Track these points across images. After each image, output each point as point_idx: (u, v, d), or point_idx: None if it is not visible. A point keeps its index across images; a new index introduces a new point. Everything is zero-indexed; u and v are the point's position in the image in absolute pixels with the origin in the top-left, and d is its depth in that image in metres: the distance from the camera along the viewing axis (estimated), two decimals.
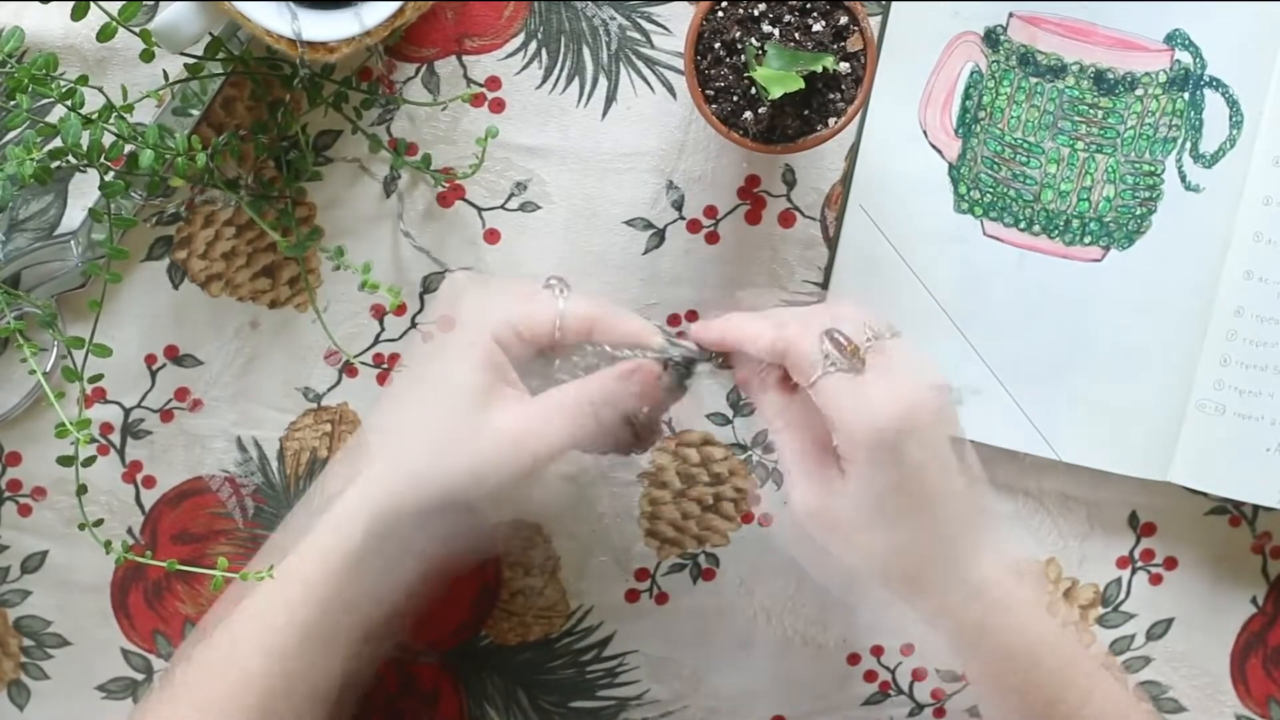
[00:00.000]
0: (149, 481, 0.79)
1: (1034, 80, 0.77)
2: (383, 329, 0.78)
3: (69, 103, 0.68)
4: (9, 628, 0.80)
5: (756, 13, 0.70)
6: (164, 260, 0.77)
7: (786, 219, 0.78)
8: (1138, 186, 0.77)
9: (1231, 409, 0.78)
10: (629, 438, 0.69)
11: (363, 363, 0.79)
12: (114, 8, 0.67)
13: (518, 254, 0.78)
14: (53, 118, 0.70)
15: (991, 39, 0.77)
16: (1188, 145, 0.77)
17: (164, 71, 0.73)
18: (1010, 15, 0.76)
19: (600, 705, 0.82)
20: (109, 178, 0.70)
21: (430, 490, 0.67)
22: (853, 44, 0.70)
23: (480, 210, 0.77)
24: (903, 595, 0.69)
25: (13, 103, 0.68)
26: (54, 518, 0.79)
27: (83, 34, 0.73)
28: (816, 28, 0.70)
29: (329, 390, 0.79)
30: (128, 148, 0.69)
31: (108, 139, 0.69)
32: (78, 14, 0.66)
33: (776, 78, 0.67)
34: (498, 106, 0.77)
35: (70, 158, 0.68)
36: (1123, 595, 0.82)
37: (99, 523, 0.77)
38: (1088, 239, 0.78)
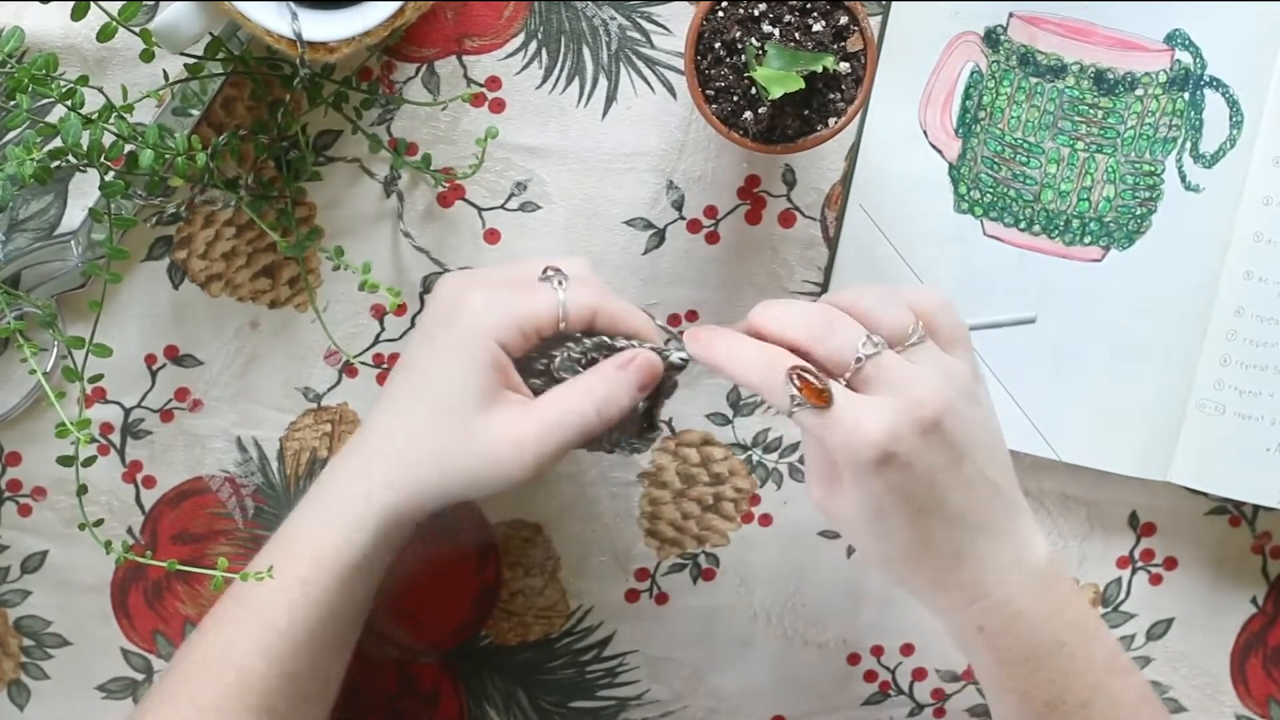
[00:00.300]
0: (149, 481, 0.79)
1: (1034, 80, 0.77)
2: (383, 329, 0.78)
3: (69, 103, 0.68)
4: (9, 628, 0.80)
5: (756, 13, 0.70)
6: (164, 260, 0.77)
7: (786, 219, 0.78)
8: (1138, 186, 0.77)
9: (1231, 409, 0.78)
10: (631, 433, 0.70)
11: (363, 363, 0.79)
12: (114, 8, 0.67)
13: (518, 254, 0.78)
14: (53, 118, 0.70)
15: (991, 39, 0.77)
16: (1188, 145, 0.77)
17: (164, 71, 0.73)
18: (1010, 15, 0.76)
19: (600, 705, 0.82)
20: (109, 178, 0.70)
21: (435, 495, 0.67)
22: (853, 44, 0.70)
23: (480, 210, 0.77)
24: (905, 591, 0.71)
25: (13, 103, 0.68)
26: (54, 518, 0.79)
27: (83, 34, 0.73)
28: (816, 28, 0.70)
29: (329, 390, 0.79)
30: (128, 148, 0.69)
31: (108, 139, 0.69)
32: (78, 14, 0.66)
33: (776, 78, 0.67)
34: (498, 106, 0.77)
35: (70, 158, 0.68)
36: (1123, 595, 0.82)
37: (99, 523, 0.77)
38: (1088, 239, 0.78)
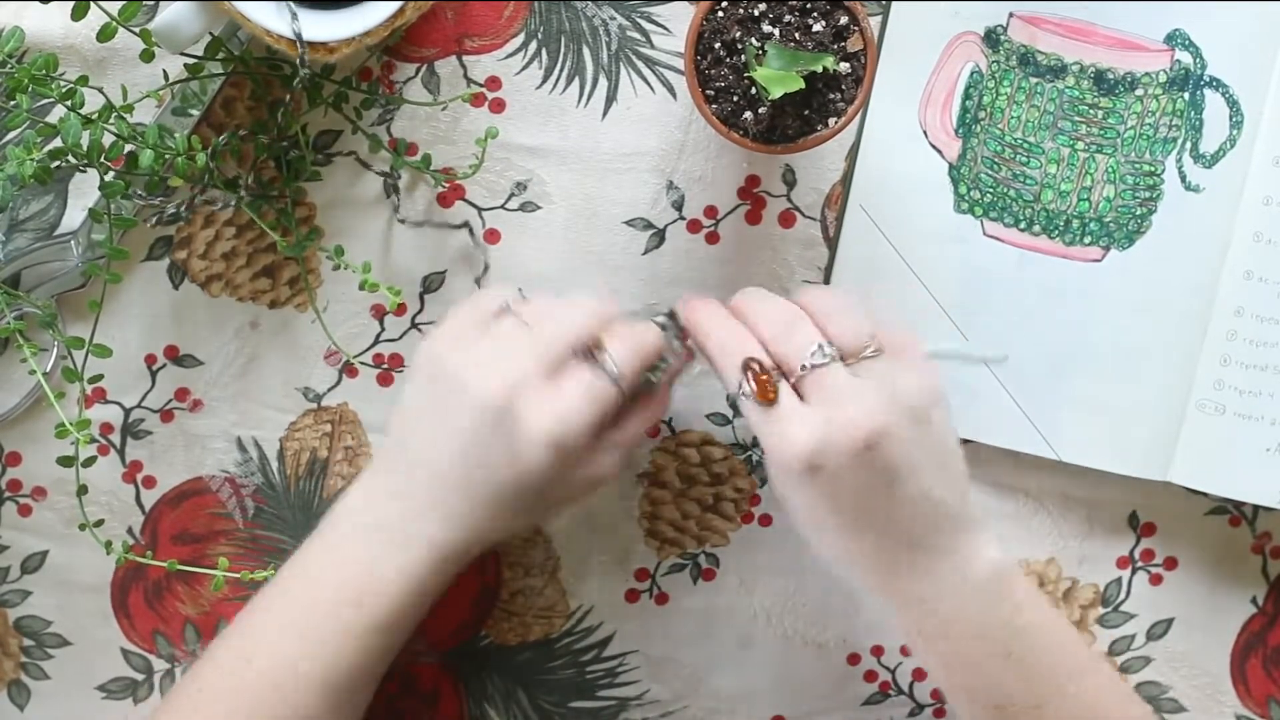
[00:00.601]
0: (149, 481, 0.79)
1: (1034, 80, 0.77)
2: (383, 329, 0.78)
3: (69, 103, 0.68)
4: (9, 628, 0.80)
5: (756, 13, 0.69)
6: (164, 260, 0.77)
7: (786, 219, 0.78)
8: (1138, 186, 0.77)
9: (1231, 409, 0.78)
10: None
11: (363, 363, 0.79)
12: (114, 8, 0.67)
13: (518, 254, 0.78)
14: (53, 118, 0.70)
15: (991, 39, 0.77)
16: (1188, 145, 0.77)
17: (164, 71, 0.73)
18: (1010, 15, 0.76)
19: (600, 705, 0.82)
20: (109, 178, 0.70)
21: (493, 543, 0.70)
22: (853, 44, 0.70)
23: (480, 210, 0.77)
24: (852, 582, 0.72)
25: (13, 103, 0.68)
26: (54, 518, 0.79)
27: (83, 34, 0.73)
28: (816, 28, 0.70)
29: (329, 390, 0.79)
30: (128, 148, 0.69)
31: (108, 139, 0.69)
32: (78, 14, 0.66)
33: (776, 78, 0.67)
34: (498, 106, 0.77)
35: (70, 158, 0.68)
36: (1123, 595, 0.82)
37: (99, 523, 0.77)
38: (1088, 239, 0.78)
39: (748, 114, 0.70)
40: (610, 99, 0.77)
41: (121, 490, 0.79)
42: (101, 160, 0.69)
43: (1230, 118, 0.77)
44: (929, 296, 0.78)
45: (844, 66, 0.70)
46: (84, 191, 0.76)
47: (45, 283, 0.76)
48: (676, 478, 0.80)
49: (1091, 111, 0.77)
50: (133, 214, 0.74)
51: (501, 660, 0.82)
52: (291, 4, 0.68)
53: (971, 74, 0.77)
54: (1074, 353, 0.79)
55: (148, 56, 0.70)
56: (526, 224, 0.78)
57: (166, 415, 0.78)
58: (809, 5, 0.70)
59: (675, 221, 0.78)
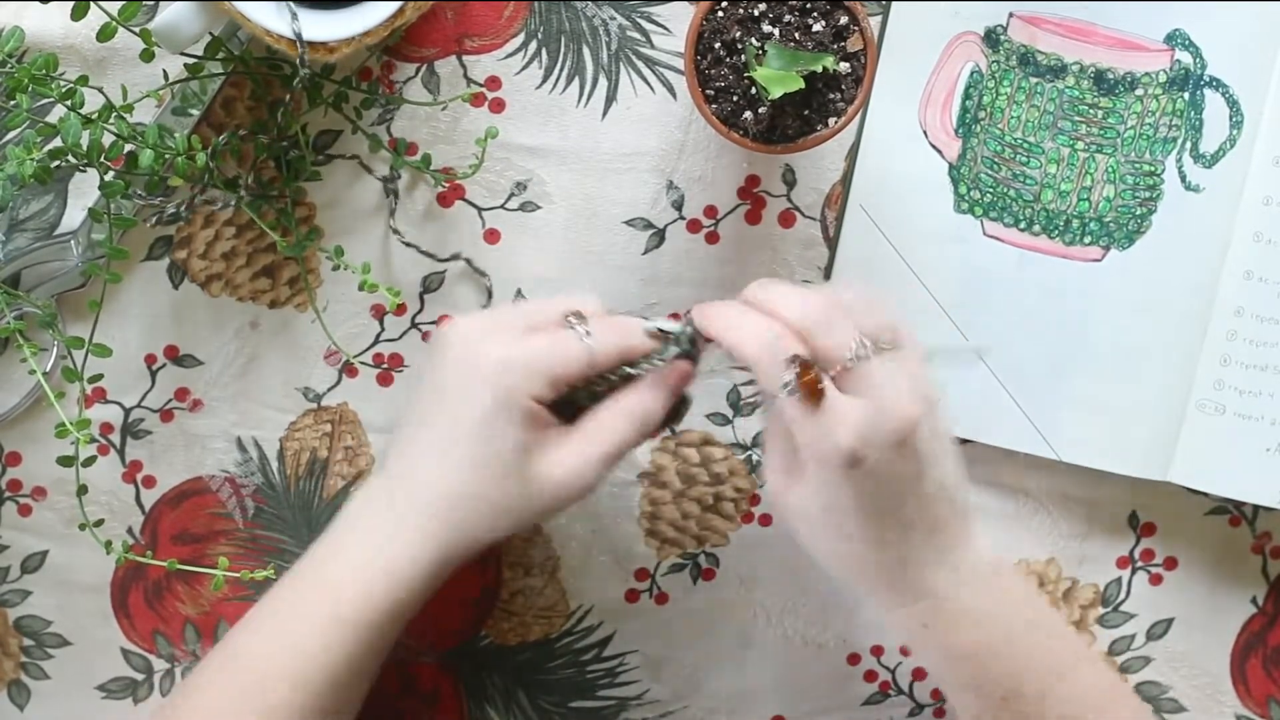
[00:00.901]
0: (149, 481, 0.79)
1: (1034, 80, 0.77)
2: (383, 329, 0.78)
3: (69, 103, 0.68)
4: (9, 628, 0.80)
5: (756, 13, 0.70)
6: (164, 260, 0.77)
7: (786, 219, 0.78)
8: (1138, 186, 0.77)
9: (1231, 409, 0.78)
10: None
11: (363, 363, 0.79)
12: (114, 8, 0.67)
13: (518, 254, 0.78)
14: (53, 118, 0.70)
15: (991, 39, 0.77)
16: (1188, 145, 0.77)
17: (164, 71, 0.73)
18: (1010, 15, 0.76)
19: (600, 705, 0.82)
20: (109, 178, 0.70)
21: (488, 539, 0.69)
22: (853, 44, 0.70)
23: (480, 210, 0.77)
24: (849, 587, 0.72)
25: (13, 103, 0.68)
26: (54, 518, 0.79)
27: (83, 34, 0.73)
28: (816, 28, 0.70)
29: (329, 390, 0.79)
30: (128, 148, 0.69)
31: (108, 139, 0.69)
32: (78, 14, 0.66)
33: (776, 78, 0.67)
34: (498, 106, 0.77)
35: (70, 158, 0.68)
36: (1123, 595, 0.82)
37: (99, 523, 0.77)
38: (1088, 239, 0.78)
39: (748, 114, 0.70)
40: (610, 99, 0.77)
41: (121, 490, 0.79)
42: (101, 160, 0.69)
43: (1230, 118, 0.77)
44: (929, 296, 0.78)
45: (844, 66, 0.70)
46: (84, 191, 0.76)
47: (45, 283, 0.76)
48: (676, 478, 0.80)
49: (1091, 111, 0.77)
50: (133, 214, 0.74)
51: (501, 660, 0.82)
52: (291, 4, 0.68)
53: (971, 74, 0.77)
54: (1074, 353, 0.79)
55: (148, 56, 0.70)
56: (526, 224, 0.78)
57: (166, 415, 0.78)
58: (809, 5, 0.70)
59: (675, 221, 0.78)
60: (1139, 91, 0.77)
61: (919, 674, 0.83)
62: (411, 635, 0.81)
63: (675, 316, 0.78)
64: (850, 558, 0.69)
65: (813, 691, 0.83)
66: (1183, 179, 0.77)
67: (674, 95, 0.77)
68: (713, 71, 0.70)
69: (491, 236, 0.78)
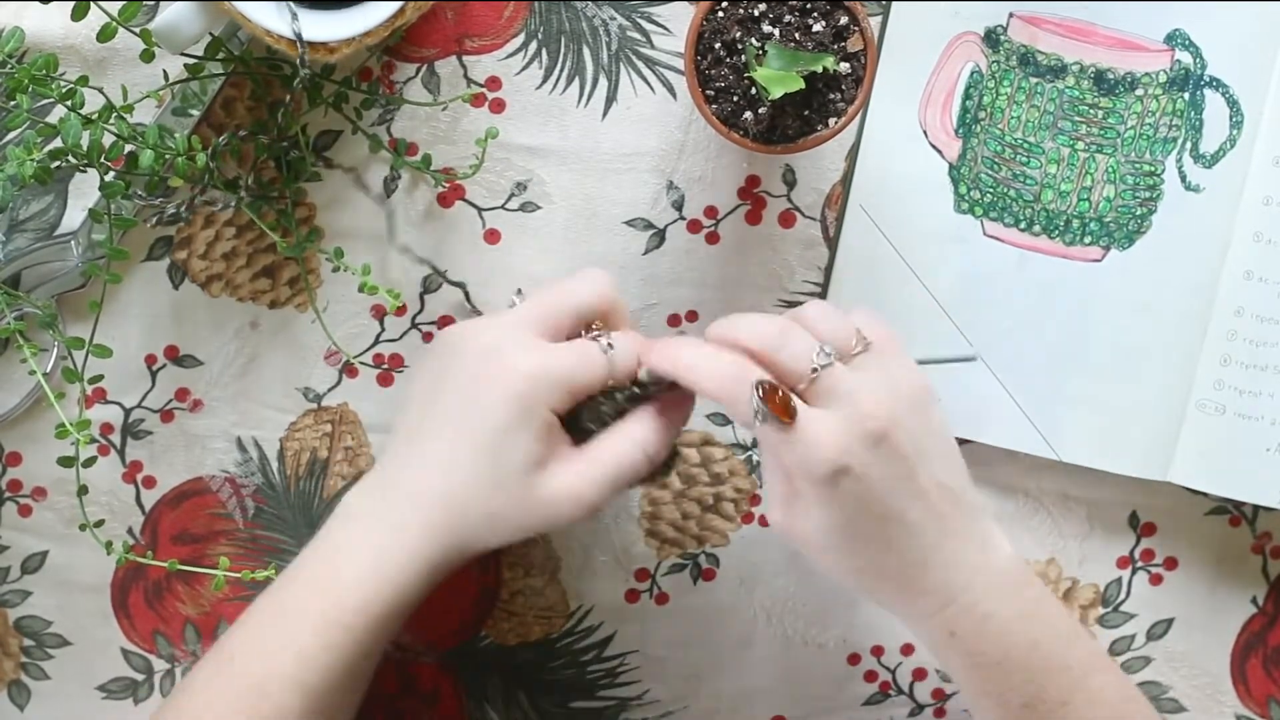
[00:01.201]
0: (149, 482, 0.79)
1: (1034, 80, 0.77)
2: (383, 329, 0.78)
3: (69, 103, 0.68)
4: (9, 628, 0.80)
5: (757, 13, 0.70)
6: (164, 260, 0.77)
7: (787, 219, 0.78)
8: (1138, 186, 0.77)
9: (1231, 409, 0.78)
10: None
11: (363, 363, 0.79)
12: (114, 8, 0.67)
13: (518, 254, 0.78)
14: (53, 118, 0.70)
15: (992, 39, 0.77)
16: (1188, 145, 0.77)
17: (164, 71, 0.73)
18: (1010, 15, 0.76)
19: (600, 705, 0.82)
20: (109, 178, 0.70)
21: (486, 547, 0.69)
22: (853, 44, 0.70)
23: (480, 210, 0.77)
24: (873, 602, 0.72)
25: (13, 103, 0.68)
26: (54, 518, 0.79)
27: (83, 34, 0.73)
28: (817, 28, 0.70)
29: (329, 390, 0.79)
30: (128, 148, 0.69)
31: (108, 139, 0.69)
32: (78, 14, 0.66)
33: (777, 78, 0.67)
34: (498, 106, 0.77)
35: (70, 158, 0.68)
36: (1123, 595, 0.82)
37: (99, 523, 0.77)
38: (1088, 239, 0.78)
39: (748, 114, 0.70)
40: (610, 99, 0.77)
41: (121, 490, 0.79)
42: (101, 160, 0.69)
43: (1230, 118, 0.77)
44: (929, 296, 0.78)
45: (844, 66, 0.70)
46: (84, 191, 0.76)
47: (45, 283, 0.76)
48: (676, 478, 0.80)
49: (1091, 111, 0.77)
50: (133, 214, 0.74)
51: (501, 660, 0.82)
52: (291, 4, 0.68)
53: (971, 74, 0.77)
54: (1074, 352, 0.79)
55: (148, 56, 0.70)
56: (526, 224, 0.78)
57: (166, 415, 0.78)
58: (809, 5, 0.70)
59: (675, 221, 0.78)
60: (1139, 91, 0.77)
61: (919, 674, 0.83)
62: (411, 635, 0.81)
63: (673, 321, 0.78)
64: (868, 571, 0.68)
65: (813, 691, 0.83)
66: (1183, 179, 0.77)
67: (674, 95, 0.77)
68: (713, 71, 0.70)
69: (491, 236, 0.78)
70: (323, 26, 0.68)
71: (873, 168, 0.77)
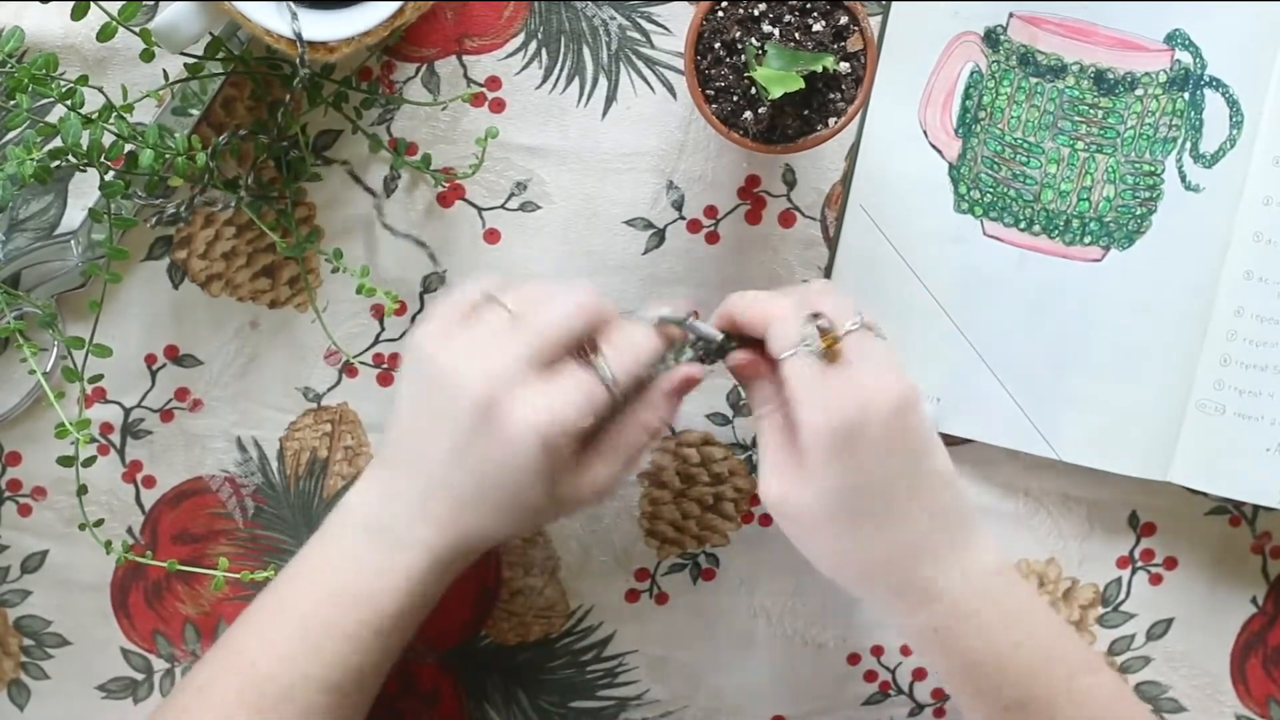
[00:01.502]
0: (149, 481, 0.79)
1: (1034, 80, 0.77)
2: (383, 329, 0.78)
3: (69, 103, 0.68)
4: (9, 628, 0.80)
5: (756, 13, 0.70)
6: (164, 260, 0.77)
7: (787, 219, 0.78)
8: (1138, 186, 0.77)
9: (1231, 409, 0.78)
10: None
11: (363, 363, 0.79)
12: (114, 8, 0.67)
13: (518, 254, 0.78)
14: (53, 118, 0.70)
15: (992, 39, 0.77)
16: (1188, 145, 0.77)
17: (164, 71, 0.73)
18: (1010, 15, 0.76)
19: (600, 705, 0.82)
20: (109, 178, 0.70)
21: (494, 543, 0.69)
22: (853, 44, 0.70)
23: (480, 210, 0.77)
24: (855, 592, 0.72)
25: (13, 103, 0.68)
26: (54, 518, 0.79)
27: (83, 34, 0.73)
28: (816, 28, 0.70)
29: (329, 390, 0.79)
30: (128, 147, 0.69)
31: (108, 139, 0.69)
32: (78, 14, 0.66)
33: (776, 78, 0.67)
34: (498, 106, 0.77)
35: (70, 158, 0.68)
36: (1123, 595, 0.82)
37: (99, 523, 0.77)
38: (1088, 239, 0.78)
39: (748, 114, 0.70)
40: (610, 99, 0.77)
41: (121, 490, 0.79)
42: (101, 160, 0.69)
43: (1230, 118, 0.77)
44: (929, 296, 0.78)
45: (844, 66, 0.70)
46: (84, 191, 0.76)
47: (45, 282, 0.76)
48: (676, 478, 0.80)
49: (1091, 111, 0.77)
50: (133, 214, 0.74)
51: (501, 660, 0.82)
52: (291, 4, 0.68)
53: (971, 74, 0.77)
54: (1074, 352, 0.79)
55: (148, 56, 0.70)
56: (526, 224, 0.78)
57: (166, 415, 0.78)
58: (809, 5, 0.70)
59: (675, 221, 0.78)
60: (1139, 91, 0.77)
61: (919, 674, 0.83)
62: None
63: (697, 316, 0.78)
64: (855, 557, 0.68)
65: (813, 691, 0.83)
66: (1183, 179, 0.77)
67: (674, 95, 0.77)
68: (713, 71, 0.70)
69: (491, 236, 0.78)
70: (323, 26, 0.68)
71: (873, 167, 0.77)
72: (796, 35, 0.70)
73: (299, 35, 0.67)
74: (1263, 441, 0.78)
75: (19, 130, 0.73)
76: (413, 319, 0.78)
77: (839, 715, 0.83)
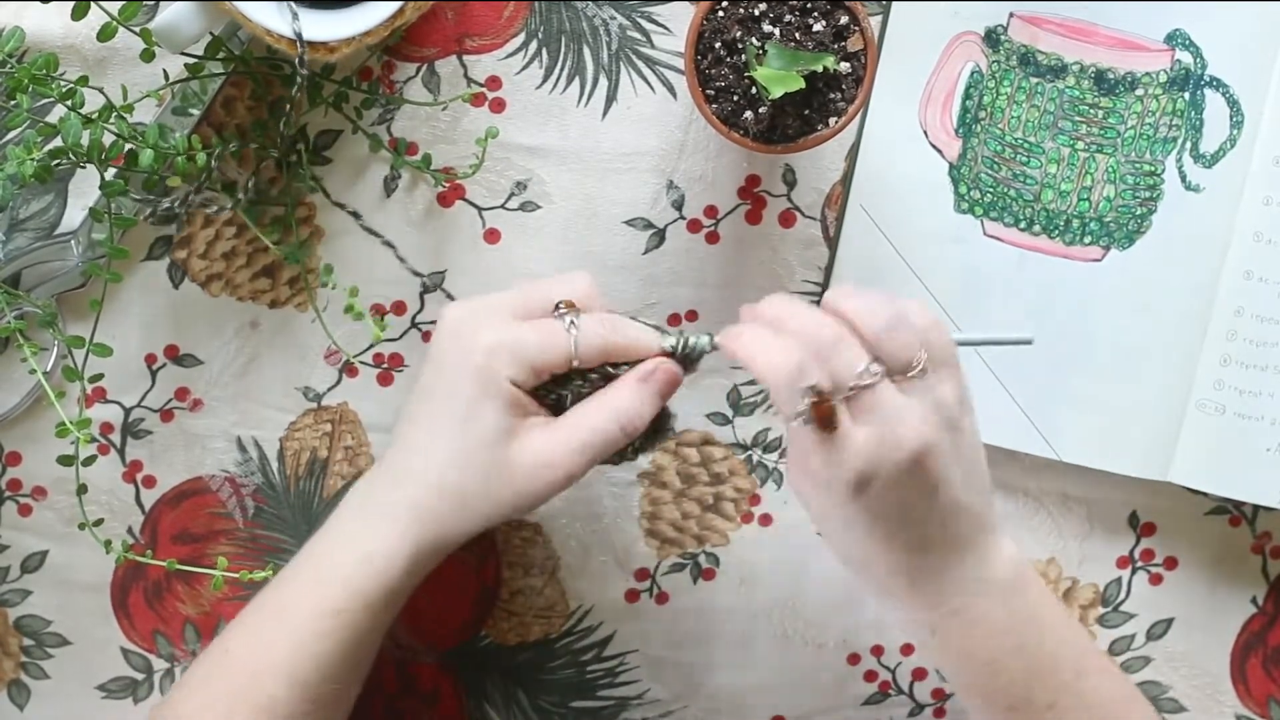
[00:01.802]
0: (149, 481, 0.79)
1: (1034, 80, 0.77)
2: (383, 329, 0.78)
3: (69, 103, 0.68)
4: (9, 627, 0.80)
5: (757, 12, 0.70)
6: (164, 260, 0.77)
7: (787, 219, 0.78)
8: (1138, 186, 0.77)
9: (1231, 409, 0.78)
10: (642, 439, 0.70)
11: (363, 362, 0.79)
12: (114, 8, 0.67)
13: (518, 254, 0.78)
14: (53, 118, 0.70)
15: (992, 39, 0.77)
16: (1188, 145, 0.77)
17: (164, 71, 0.73)
18: (1011, 15, 0.76)
19: (600, 705, 0.82)
20: (109, 177, 0.70)
21: (469, 529, 0.68)
22: (853, 44, 0.70)
23: (480, 210, 0.77)
24: (864, 587, 0.72)
25: (13, 103, 0.68)
26: (54, 517, 0.79)
27: (83, 34, 0.73)
28: (817, 27, 0.70)
29: (329, 390, 0.79)
30: (128, 147, 0.69)
31: (108, 139, 0.69)
32: (78, 14, 0.66)
33: (777, 77, 0.67)
34: (498, 106, 0.77)
35: (70, 157, 0.68)
36: (1123, 595, 0.82)
37: (99, 522, 0.77)
38: (1088, 239, 0.78)
39: (748, 114, 0.70)
40: (610, 99, 0.77)
41: (121, 490, 0.79)
42: (101, 160, 0.69)
43: (1230, 118, 0.77)
44: (929, 296, 0.78)
45: (844, 66, 0.70)
46: (84, 191, 0.76)
47: (45, 282, 0.76)
48: (676, 478, 0.80)
49: (1092, 111, 0.77)
50: (133, 214, 0.74)
51: (501, 660, 0.82)
52: (291, 4, 0.68)
53: (972, 74, 0.77)
54: (1074, 352, 0.79)
55: (148, 56, 0.70)
56: (526, 224, 0.78)
57: (166, 415, 0.78)
58: (809, 5, 0.70)
59: (675, 221, 0.78)
60: (1139, 91, 0.77)
61: (919, 674, 0.83)
62: (411, 635, 0.81)
63: (673, 320, 0.78)
64: (862, 565, 0.69)
65: (813, 691, 0.83)
66: (1183, 179, 0.77)
67: (674, 95, 0.77)
68: (713, 71, 0.70)
69: (491, 236, 0.78)
70: (323, 26, 0.68)
71: (873, 167, 0.77)
72: (797, 35, 0.70)
73: (299, 35, 0.68)
74: (1263, 441, 0.78)
75: (19, 130, 0.73)
76: (413, 319, 0.78)
77: (839, 715, 0.83)
